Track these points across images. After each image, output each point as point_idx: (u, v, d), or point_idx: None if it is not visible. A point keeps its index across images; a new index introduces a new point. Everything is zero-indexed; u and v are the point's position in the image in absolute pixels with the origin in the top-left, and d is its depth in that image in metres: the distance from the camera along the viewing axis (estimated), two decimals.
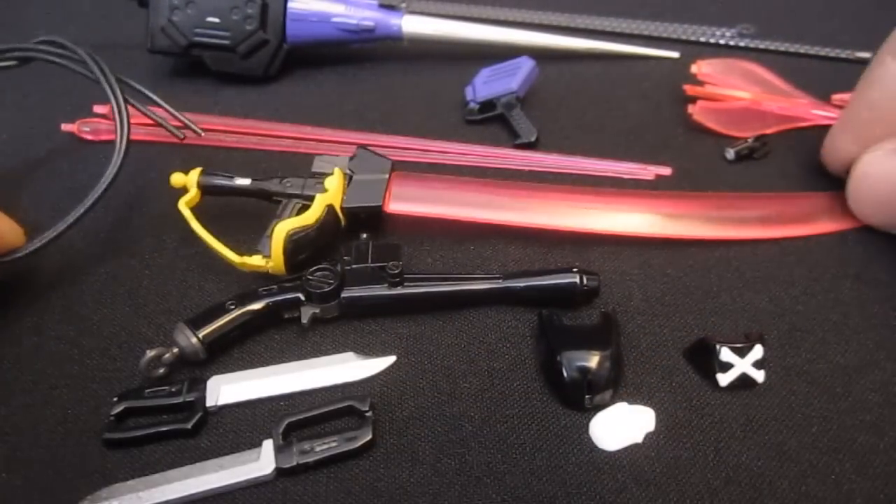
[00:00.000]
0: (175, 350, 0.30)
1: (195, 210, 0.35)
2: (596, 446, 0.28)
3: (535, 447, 0.28)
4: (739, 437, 0.28)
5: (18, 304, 0.33)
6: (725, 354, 0.29)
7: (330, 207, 0.34)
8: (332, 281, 0.31)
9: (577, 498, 0.26)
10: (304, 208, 0.34)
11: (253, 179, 0.36)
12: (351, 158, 0.37)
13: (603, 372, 0.28)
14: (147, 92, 0.39)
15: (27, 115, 0.47)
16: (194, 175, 0.35)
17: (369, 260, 0.33)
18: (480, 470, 0.27)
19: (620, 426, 0.28)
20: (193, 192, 0.35)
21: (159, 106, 0.39)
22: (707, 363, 0.30)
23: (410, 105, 0.48)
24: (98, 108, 0.45)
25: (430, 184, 0.37)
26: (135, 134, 0.44)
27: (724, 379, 0.29)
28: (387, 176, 0.36)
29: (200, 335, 0.30)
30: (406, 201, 0.36)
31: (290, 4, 0.48)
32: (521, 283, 0.32)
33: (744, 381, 0.29)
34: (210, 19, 0.47)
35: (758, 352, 0.30)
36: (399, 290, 0.31)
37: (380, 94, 0.49)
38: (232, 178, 0.35)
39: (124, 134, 0.36)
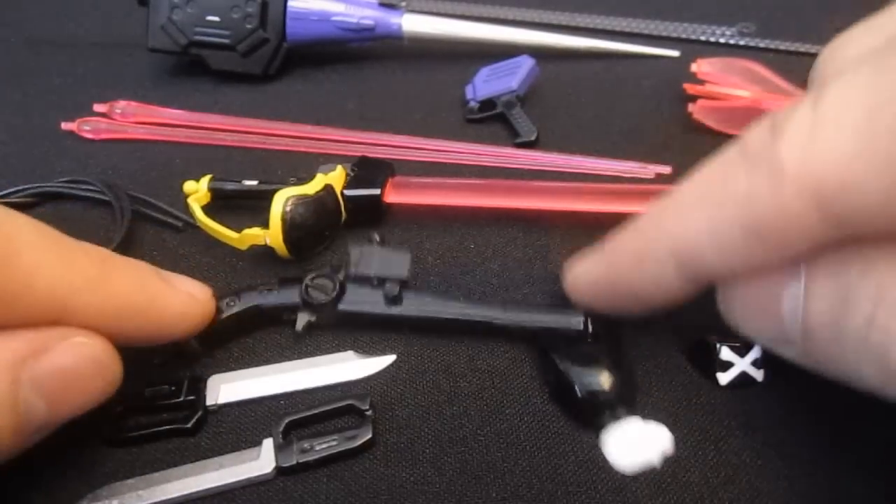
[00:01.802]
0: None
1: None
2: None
3: (535, 445, 0.28)
4: (740, 435, 0.28)
5: None
6: (726, 353, 0.29)
7: (330, 188, 0.35)
8: (330, 290, 0.31)
9: (576, 496, 0.26)
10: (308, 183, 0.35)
11: (260, 182, 0.37)
12: (353, 164, 0.37)
13: (618, 388, 0.27)
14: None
15: (27, 115, 0.47)
16: (205, 181, 0.36)
17: (373, 271, 0.32)
18: (481, 468, 0.27)
19: (637, 447, 0.27)
20: (203, 193, 0.36)
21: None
22: (707, 362, 0.30)
23: (410, 104, 0.48)
24: (98, 107, 0.45)
25: (430, 180, 0.38)
26: (136, 133, 0.44)
27: (723, 378, 0.29)
28: (387, 174, 0.37)
29: None
30: (406, 192, 0.37)
31: (290, 3, 0.48)
32: (523, 319, 0.30)
33: (744, 380, 0.29)
34: (210, 18, 0.47)
35: (757, 350, 0.30)
36: (396, 310, 0.31)
37: (380, 92, 0.49)
38: (240, 181, 0.37)
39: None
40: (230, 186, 0.37)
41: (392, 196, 0.37)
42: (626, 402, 0.28)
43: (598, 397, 0.28)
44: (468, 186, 0.38)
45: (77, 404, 0.24)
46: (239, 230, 0.34)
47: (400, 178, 0.38)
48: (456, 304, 0.31)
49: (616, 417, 0.28)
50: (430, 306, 0.31)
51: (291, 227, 0.33)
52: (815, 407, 0.29)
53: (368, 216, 0.37)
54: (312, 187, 0.34)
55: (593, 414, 0.28)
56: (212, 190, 0.36)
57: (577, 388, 0.28)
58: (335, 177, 0.35)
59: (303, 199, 0.33)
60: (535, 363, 0.30)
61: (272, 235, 0.33)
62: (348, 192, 0.36)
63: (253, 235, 0.33)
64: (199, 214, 0.35)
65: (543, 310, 0.31)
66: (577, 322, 0.30)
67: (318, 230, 0.34)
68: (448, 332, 0.31)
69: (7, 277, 0.21)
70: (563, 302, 0.30)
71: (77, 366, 0.23)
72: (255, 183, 0.37)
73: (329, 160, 0.39)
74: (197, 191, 0.36)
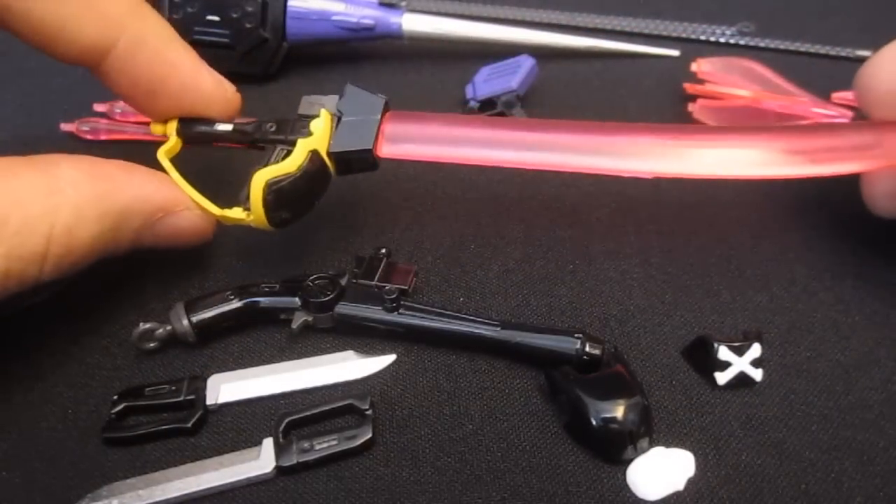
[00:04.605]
0: (168, 327, 0.30)
1: (175, 162, 0.33)
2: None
3: (535, 445, 0.28)
4: (739, 435, 0.28)
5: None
6: (723, 353, 0.29)
7: (314, 154, 0.31)
8: (329, 292, 0.31)
9: (576, 496, 0.26)
10: (290, 154, 0.31)
11: (234, 126, 0.34)
12: (340, 97, 0.34)
13: (638, 418, 0.27)
14: None
15: (27, 115, 0.47)
16: (172, 125, 0.34)
17: (377, 278, 0.32)
18: (481, 468, 0.27)
19: (661, 474, 0.26)
20: (173, 141, 0.34)
21: None
22: (705, 362, 0.30)
23: (411, 103, 0.47)
24: (98, 107, 0.45)
25: (429, 122, 0.34)
26: (136, 133, 0.44)
27: (721, 378, 0.29)
28: (379, 116, 0.33)
29: (193, 319, 0.30)
30: (401, 143, 0.33)
31: (289, 3, 0.48)
32: (519, 337, 0.30)
33: (742, 379, 0.29)
34: (210, 17, 0.47)
35: (755, 350, 0.30)
36: (394, 317, 0.30)
37: (380, 92, 0.49)
38: (213, 123, 0.34)
39: None
40: (201, 128, 0.34)
41: (386, 149, 0.33)
42: (647, 432, 0.27)
43: (619, 430, 0.26)
44: (477, 134, 0.33)
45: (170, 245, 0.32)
46: (220, 206, 0.32)
47: (396, 115, 0.34)
48: (453, 317, 0.31)
49: (639, 451, 0.27)
50: (427, 317, 0.31)
51: (276, 208, 0.31)
52: (815, 407, 0.29)
53: (361, 168, 0.33)
54: (294, 162, 0.31)
55: (616, 449, 0.27)
56: (182, 136, 0.34)
57: (596, 423, 0.26)
58: (319, 133, 0.32)
59: (285, 179, 0.30)
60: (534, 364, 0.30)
61: (255, 219, 0.31)
62: (336, 151, 0.32)
63: (234, 217, 0.31)
64: (176, 176, 0.32)
65: (541, 330, 0.30)
66: (573, 343, 0.29)
67: (305, 202, 0.32)
68: (443, 343, 0.31)
69: None
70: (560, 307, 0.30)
71: (186, 230, 0.31)
72: (229, 128, 0.34)
73: None
74: (164, 132, 0.33)
